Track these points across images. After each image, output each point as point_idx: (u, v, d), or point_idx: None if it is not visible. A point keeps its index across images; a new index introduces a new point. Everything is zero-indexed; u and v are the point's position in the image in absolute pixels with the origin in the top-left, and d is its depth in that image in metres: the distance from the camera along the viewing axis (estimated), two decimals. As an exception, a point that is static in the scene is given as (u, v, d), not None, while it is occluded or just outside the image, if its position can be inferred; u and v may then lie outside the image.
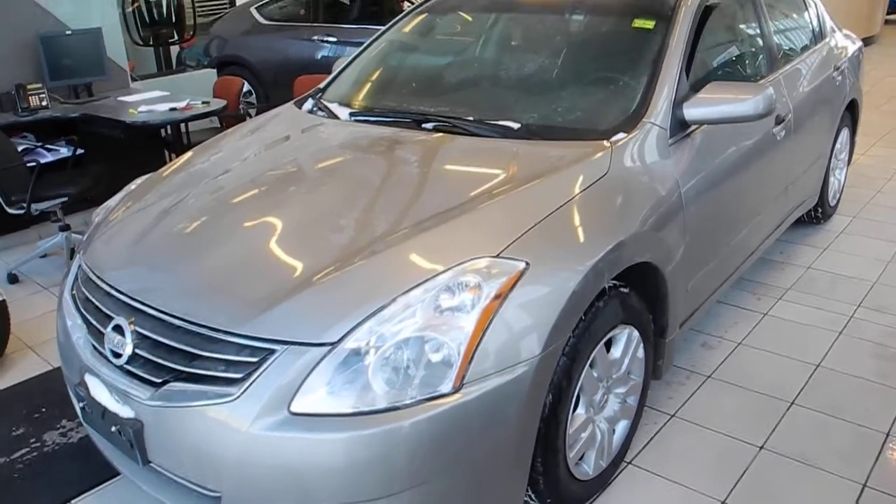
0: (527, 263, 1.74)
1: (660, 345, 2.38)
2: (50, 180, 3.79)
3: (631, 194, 2.12)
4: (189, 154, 2.69)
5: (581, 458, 2.08)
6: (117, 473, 2.34)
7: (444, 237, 1.81)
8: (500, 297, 1.67)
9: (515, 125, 2.34)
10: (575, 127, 2.37)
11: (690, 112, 2.33)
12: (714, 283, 2.77)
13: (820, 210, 4.18)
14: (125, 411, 1.76)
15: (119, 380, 1.78)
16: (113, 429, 1.79)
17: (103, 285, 1.94)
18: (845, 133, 4.27)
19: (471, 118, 2.45)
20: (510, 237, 1.79)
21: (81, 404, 1.91)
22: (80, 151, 3.99)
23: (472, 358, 1.61)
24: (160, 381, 1.71)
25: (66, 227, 3.95)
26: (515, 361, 1.67)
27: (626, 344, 2.14)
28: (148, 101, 4.29)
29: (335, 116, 2.73)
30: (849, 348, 3.02)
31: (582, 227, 1.93)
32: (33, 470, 2.41)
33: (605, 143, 2.19)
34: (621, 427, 2.25)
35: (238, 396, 1.59)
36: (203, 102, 4.17)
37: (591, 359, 1.94)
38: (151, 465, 1.78)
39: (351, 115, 2.69)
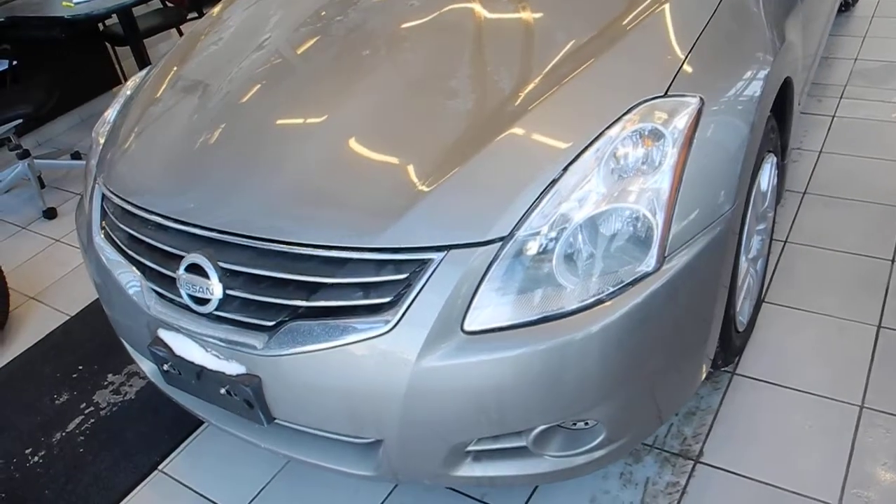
0: (701, 98, 1.39)
1: (783, 168, 2.09)
2: (-8, 103, 3.19)
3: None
4: (182, 43, 2.15)
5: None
6: (200, 422, 2.04)
7: (592, 83, 1.42)
8: (687, 144, 1.33)
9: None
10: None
11: None
12: (805, 90, 2.46)
13: (850, -5, 3.85)
14: (232, 367, 1.41)
15: (213, 330, 1.42)
16: (222, 391, 1.44)
17: (156, 217, 1.53)
18: None
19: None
20: (669, 70, 1.42)
21: (165, 367, 1.55)
22: (15, 63, 3.35)
23: (670, 223, 1.29)
24: (273, 323, 1.36)
25: (25, 154, 3.39)
26: (714, 217, 1.36)
27: (769, 174, 1.85)
28: (80, -11, 3.58)
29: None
30: (937, 136, 2.79)
31: (737, 49, 1.57)
32: (99, 440, 2.08)
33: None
34: (759, 266, 2.00)
35: (395, 324, 1.25)
36: (146, -21, 3.50)
37: (752, 197, 1.64)
38: (276, 421, 1.46)
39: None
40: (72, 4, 3.41)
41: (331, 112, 1.50)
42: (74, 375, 2.34)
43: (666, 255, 1.29)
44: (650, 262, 1.28)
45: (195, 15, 4.26)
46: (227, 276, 1.40)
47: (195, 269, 1.42)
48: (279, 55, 1.78)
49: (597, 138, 1.31)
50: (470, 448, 1.37)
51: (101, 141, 1.94)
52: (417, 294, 1.25)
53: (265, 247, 1.36)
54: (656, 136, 1.32)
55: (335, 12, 1.90)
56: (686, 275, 1.32)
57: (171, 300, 1.51)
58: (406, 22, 1.73)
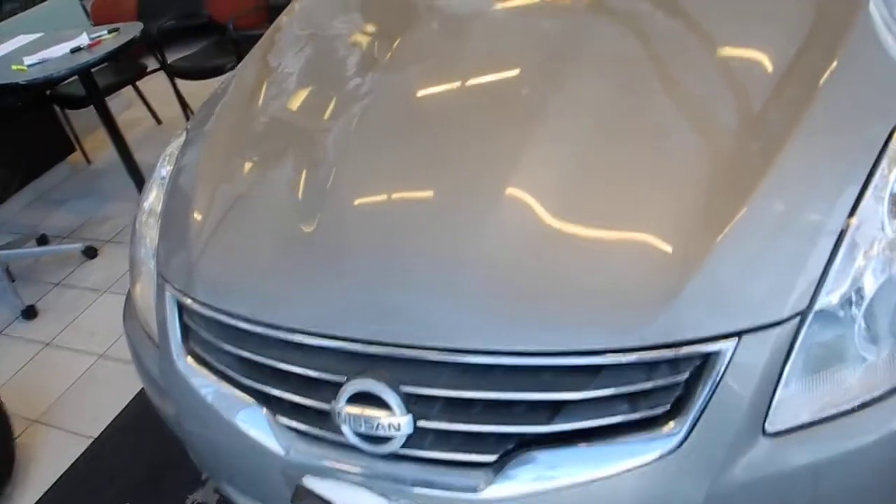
0: None
1: None
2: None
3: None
4: (229, 101, 1.72)
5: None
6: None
7: (832, 109, 1.14)
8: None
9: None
10: None
11: None
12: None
13: None
14: (431, 515, 1.08)
15: (398, 472, 1.09)
16: (422, 546, 1.11)
17: (286, 334, 1.17)
18: None
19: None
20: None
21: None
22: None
23: None
24: (494, 457, 1.04)
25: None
26: None
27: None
28: (28, 50, 3.12)
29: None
30: None
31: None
32: None
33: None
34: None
35: (683, 439, 0.96)
36: (111, 31, 3.06)
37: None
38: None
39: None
40: (24, 67, 2.96)
41: (510, 170, 1.17)
42: (126, 514, 1.93)
43: None
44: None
45: (157, 66, 3.83)
46: (414, 404, 1.07)
47: (362, 397, 1.08)
48: (395, 101, 1.44)
49: (869, 175, 1.05)
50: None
51: (152, 235, 1.56)
52: (710, 397, 0.96)
53: (470, 360, 1.04)
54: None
55: (436, 43, 1.58)
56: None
57: (321, 438, 1.16)
58: (550, 50, 1.42)
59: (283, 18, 2.01)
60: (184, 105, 3.86)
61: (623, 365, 0.98)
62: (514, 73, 1.38)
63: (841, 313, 0.99)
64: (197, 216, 1.44)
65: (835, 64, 1.20)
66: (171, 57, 3.86)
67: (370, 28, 1.78)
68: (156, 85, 4.30)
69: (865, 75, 1.19)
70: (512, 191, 1.14)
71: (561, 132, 1.21)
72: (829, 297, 0.98)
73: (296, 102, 1.59)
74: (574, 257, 1.05)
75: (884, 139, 1.08)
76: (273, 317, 1.19)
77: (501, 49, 1.48)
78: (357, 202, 1.25)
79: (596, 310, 1.00)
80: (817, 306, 0.97)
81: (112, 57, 2.97)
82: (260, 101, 1.65)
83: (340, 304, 1.13)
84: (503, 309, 1.03)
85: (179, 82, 3.86)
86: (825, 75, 1.18)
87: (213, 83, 3.82)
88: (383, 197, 1.24)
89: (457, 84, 1.42)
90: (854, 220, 1.01)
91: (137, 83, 3.98)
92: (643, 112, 1.21)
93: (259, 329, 1.20)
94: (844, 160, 1.07)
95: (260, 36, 3.73)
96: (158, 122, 4.34)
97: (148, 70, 3.84)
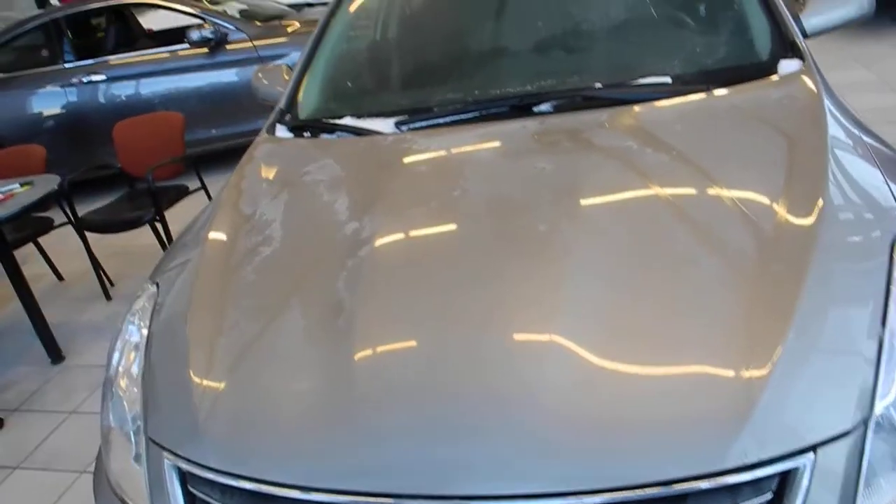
0: None
1: None
2: None
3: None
4: (208, 252, 1.64)
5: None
6: None
7: (834, 226, 1.25)
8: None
9: (664, 78, 1.79)
10: (741, 63, 1.82)
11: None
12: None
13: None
14: None
15: None
16: None
17: (325, 497, 1.08)
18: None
19: (591, 84, 1.85)
20: (883, 189, 1.34)
21: None
22: None
23: None
24: None
25: None
26: None
27: None
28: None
29: (365, 133, 1.93)
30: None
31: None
32: None
33: (797, 70, 1.73)
34: None
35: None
36: (24, 184, 2.89)
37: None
38: None
39: (399, 123, 1.92)
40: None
41: (554, 307, 1.17)
42: None
43: None
44: None
45: (65, 220, 3.64)
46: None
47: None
48: (406, 244, 1.43)
49: (887, 285, 1.15)
50: None
51: (131, 399, 1.43)
52: None
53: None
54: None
55: (430, 183, 1.61)
56: None
57: None
58: (556, 187, 1.47)
59: (245, 165, 1.99)
60: (94, 260, 3.65)
61: (707, 491, 0.98)
62: (526, 210, 1.42)
63: (891, 415, 1.04)
64: (195, 376, 1.34)
65: (824, 186, 1.32)
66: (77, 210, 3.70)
67: (352, 170, 1.79)
68: (54, 239, 4.08)
69: (853, 193, 1.33)
70: (560, 328, 1.14)
71: (591, 266, 1.25)
72: (884, 402, 1.03)
73: (287, 251, 1.55)
74: (637, 391, 1.05)
75: (888, 250, 1.20)
76: (313, 479, 1.11)
77: (503, 187, 1.52)
78: (395, 349, 1.22)
79: (671, 440, 1.00)
80: (877, 410, 1.02)
81: (28, 211, 2.81)
82: (244, 251, 1.59)
83: (400, 459, 1.07)
84: (576, 448, 1.02)
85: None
86: (820, 198, 1.29)
87: (126, 237, 3.68)
88: (426, 343, 1.21)
89: (468, 224, 1.44)
90: (887, 329, 1.09)
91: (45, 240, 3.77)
92: (664, 243, 1.27)
93: (296, 494, 1.11)
94: (862, 274, 1.16)
95: (178, 187, 3.69)
96: (60, 278, 4.07)
97: (56, 225, 3.64)
